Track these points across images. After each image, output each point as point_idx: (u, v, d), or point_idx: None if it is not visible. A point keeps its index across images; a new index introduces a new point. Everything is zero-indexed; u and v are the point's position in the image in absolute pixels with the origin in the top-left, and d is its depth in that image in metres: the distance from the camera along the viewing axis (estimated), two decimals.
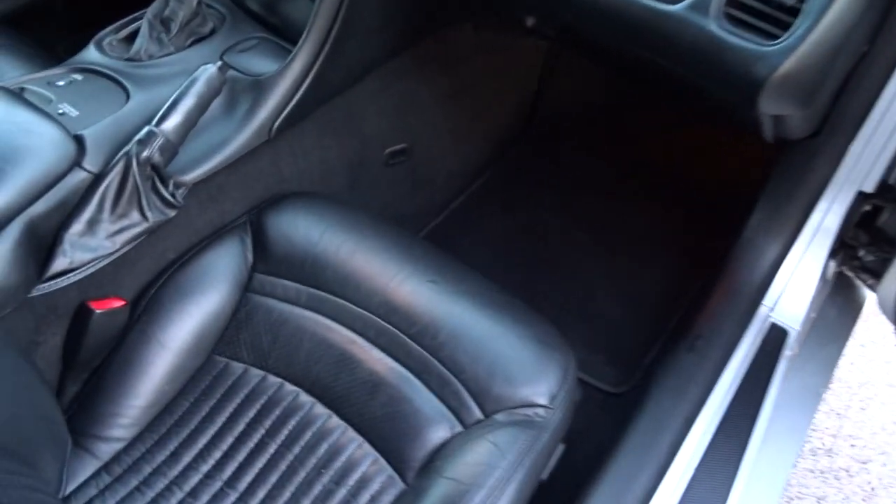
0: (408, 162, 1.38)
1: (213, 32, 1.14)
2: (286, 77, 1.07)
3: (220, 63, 1.02)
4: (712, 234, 1.52)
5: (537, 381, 0.92)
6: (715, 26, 0.86)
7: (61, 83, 1.00)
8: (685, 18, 0.87)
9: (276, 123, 1.07)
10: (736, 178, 1.52)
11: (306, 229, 1.02)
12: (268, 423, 0.93)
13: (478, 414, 0.91)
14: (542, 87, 1.64)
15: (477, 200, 1.55)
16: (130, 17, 1.12)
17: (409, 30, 1.21)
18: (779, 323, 1.07)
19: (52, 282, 0.87)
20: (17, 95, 0.93)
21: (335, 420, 0.94)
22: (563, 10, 0.99)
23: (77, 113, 0.95)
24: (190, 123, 0.97)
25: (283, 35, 1.15)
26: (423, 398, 0.92)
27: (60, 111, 0.95)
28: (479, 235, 1.51)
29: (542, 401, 0.91)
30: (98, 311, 0.91)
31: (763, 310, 1.07)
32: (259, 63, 1.10)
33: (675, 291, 1.46)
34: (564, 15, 0.99)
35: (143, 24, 1.08)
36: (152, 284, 0.98)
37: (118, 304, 0.93)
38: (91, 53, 1.06)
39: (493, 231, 1.52)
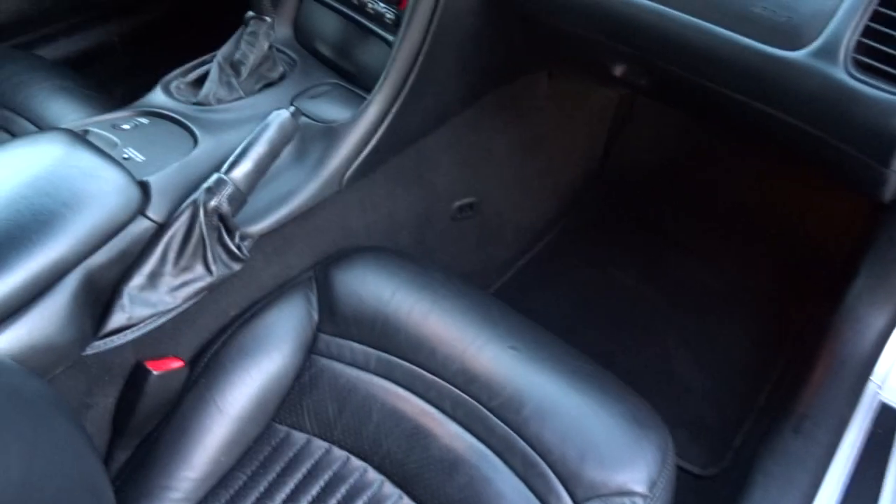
0: (476, 216, 1.31)
1: (282, 77, 1.09)
2: (360, 125, 1.01)
3: (293, 108, 0.96)
4: (799, 295, 1.41)
5: (634, 465, 0.82)
6: (844, 74, 0.77)
7: (127, 126, 0.95)
8: (809, 66, 0.79)
9: (348, 173, 1.01)
10: (827, 236, 1.42)
11: (376, 287, 0.95)
12: (332, 502, 0.84)
13: (567, 501, 0.80)
14: (612, 136, 1.56)
15: (546, 257, 1.47)
16: (198, 59, 1.07)
17: (486, 78, 1.15)
18: (891, 404, 0.96)
19: (108, 339, 0.80)
20: (81, 138, 0.87)
21: (407, 502, 0.84)
22: (665, 60, 0.91)
23: (143, 158, 0.90)
24: (260, 171, 0.91)
25: (356, 81, 1.09)
26: (505, 481, 0.82)
27: (125, 156, 0.89)
28: (547, 295, 1.42)
29: (641, 489, 0.80)
30: (155, 373, 0.83)
31: (872, 387, 0.97)
32: (331, 109, 1.04)
33: (761, 359, 1.35)
34: (666, 64, 0.92)
35: (213, 68, 1.03)
36: (212, 343, 0.91)
37: (176, 364, 0.86)
38: (158, 96, 1.02)
39: (562, 290, 1.43)
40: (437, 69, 1.04)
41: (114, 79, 1.69)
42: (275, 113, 0.93)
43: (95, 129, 0.94)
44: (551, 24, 1.00)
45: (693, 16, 0.84)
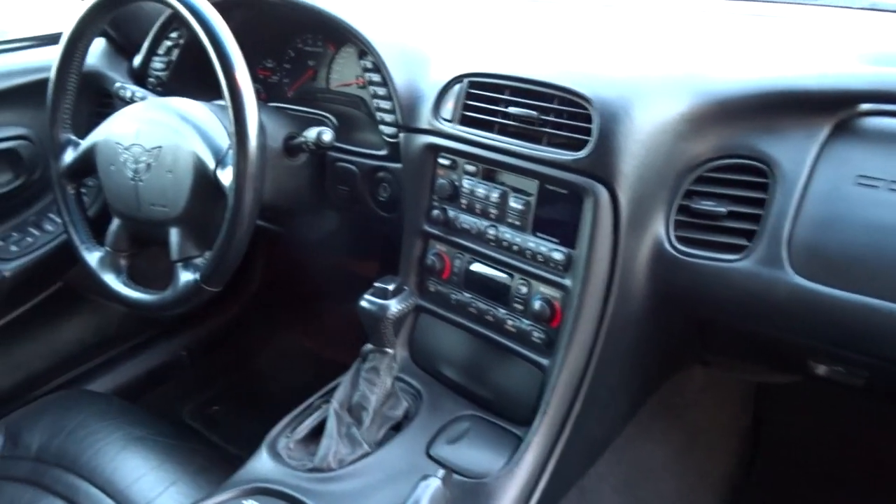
0: None
1: (408, 415, 0.90)
2: (517, 476, 0.80)
3: (442, 472, 0.75)
4: None
5: None
6: None
7: None
8: None
9: None
10: None
11: None
12: None
13: None
14: (760, 416, 1.33)
15: None
16: (305, 405, 0.89)
17: (648, 385, 0.96)
18: None
19: None
20: None
21: None
22: None
23: None
24: None
25: (496, 409, 0.90)
26: None
27: None
28: None
29: None
30: None
31: None
32: (477, 456, 0.83)
33: None
34: None
35: (329, 419, 0.84)
36: None
37: None
38: (264, 463, 0.82)
39: None
40: (602, 390, 0.85)
41: (184, 394, 1.53)
42: (422, 485, 0.73)
43: None
44: (744, 329, 0.82)
45: None
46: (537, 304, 0.84)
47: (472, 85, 0.89)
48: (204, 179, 0.92)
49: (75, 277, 1.31)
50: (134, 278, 1.05)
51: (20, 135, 1.20)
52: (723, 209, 0.78)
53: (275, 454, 0.83)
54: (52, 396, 1.18)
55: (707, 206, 0.78)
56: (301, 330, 1.67)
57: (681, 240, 0.80)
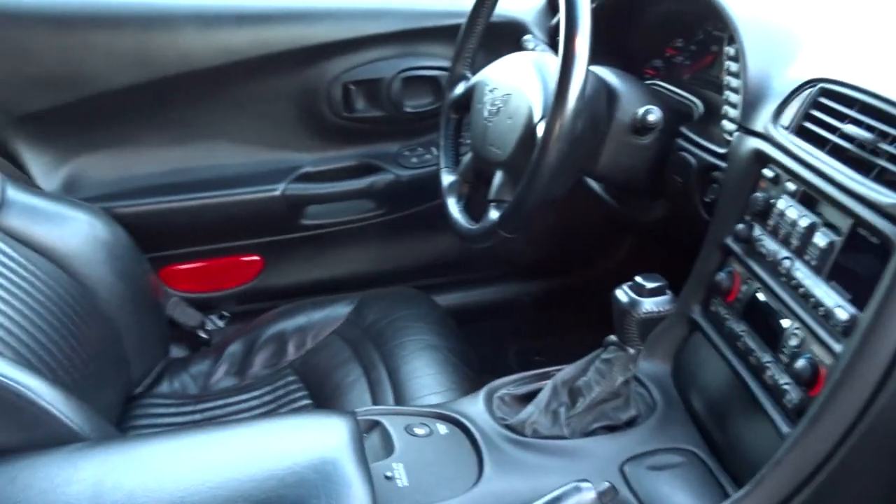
0: None
1: (632, 423, 0.84)
2: None
3: (607, 485, 0.70)
4: None
5: None
6: None
7: (421, 432, 0.81)
8: None
9: None
10: None
11: None
12: None
13: None
14: None
15: None
16: (538, 371, 0.90)
17: None
18: None
19: None
20: (356, 439, 0.73)
21: None
22: None
23: (407, 483, 0.73)
24: None
25: (722, 459, 0.78)
26: None
27: (388, 473, 0.74)
28: None
29: None
30: None
31: None
32: (667, 494, 0.74)
33: None
34: None
35: (545, 388, 0.84)
36: None
37: None
38: (476, 403, 0.86)
39: None
40: (846, 497, 0.67)
41: (514, 335, 1.64)
42: (572, 485, 0.68)
43: (387, 424, 0.81)
44: None
45: None
46: (801, 363, 0.69)
47: (823, 92, 0.75)
48: (528, 130, 0.96)
49: None
50: (469, 209, 1.16)
51: (443, 66, 1.39)
52: None
53: (488, 399, 0.86)
54: (397, 288, 1.38)
55: None
56: None
57: None
